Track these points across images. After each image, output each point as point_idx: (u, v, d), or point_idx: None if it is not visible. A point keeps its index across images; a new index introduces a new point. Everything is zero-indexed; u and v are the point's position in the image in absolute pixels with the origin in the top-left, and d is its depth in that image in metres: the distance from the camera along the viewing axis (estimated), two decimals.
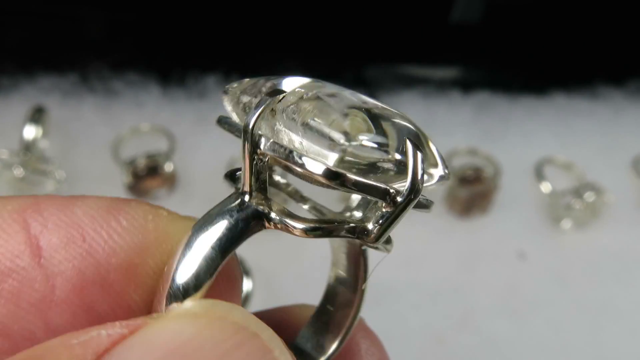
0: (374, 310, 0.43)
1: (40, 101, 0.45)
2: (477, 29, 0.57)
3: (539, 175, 0.51)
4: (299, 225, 0.17)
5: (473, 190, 0.48)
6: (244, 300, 0.39)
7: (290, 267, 0.43)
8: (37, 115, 0.41)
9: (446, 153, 0.51)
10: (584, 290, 0.45)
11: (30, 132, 0.41)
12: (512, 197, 0.50)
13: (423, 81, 0.55)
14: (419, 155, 0.16)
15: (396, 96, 0.54)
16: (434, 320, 0.43)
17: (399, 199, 0.17)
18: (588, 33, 0.57)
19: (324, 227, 0.17)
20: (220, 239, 0.16)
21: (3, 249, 0.17)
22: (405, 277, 0.45)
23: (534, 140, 0.54)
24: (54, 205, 0.18)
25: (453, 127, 0.53)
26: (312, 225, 0.17)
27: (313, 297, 0.43)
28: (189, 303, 0.16)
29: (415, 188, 0.16)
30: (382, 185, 0.17)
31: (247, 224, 0.17)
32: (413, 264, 0.46)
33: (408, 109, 0.54)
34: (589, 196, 0.48)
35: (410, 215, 0.52)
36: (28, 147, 0.41)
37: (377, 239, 0.17)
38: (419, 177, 0.16)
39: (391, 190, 0.17)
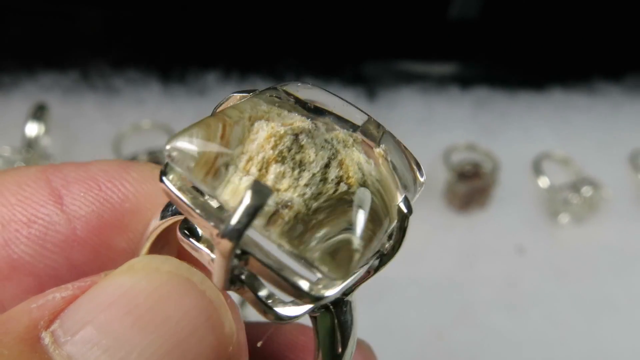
0: (374, 306, 0.44)
1: (41, 98, 0.45)
2: (475, 26, 0.57)
3: (537, 170, 0.51)
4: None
5: (472, 186, 0.48)
6: None
7: None
8: (39, 113, 0.41)
9: (445, 149, 0.51)
10: (582, 283, 0.46)
11: (33, 129, 0.41)
12: (511, 192, 0.50)
13: (422, 77, 0.55)
14: None
15: (395, 92, 0.54)
16: (433, 315, 0.43)
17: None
18: (586, 29, 0.57)
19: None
20: None
21: (30, 199, 0.20)
22: (405, 273, 0.45)
23: (532, 135, 0.54)
24: (71, 165, 0.21)
25: (452, 123, 0.54)
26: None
27: None
28: (133, 260, 0.17)
29: None
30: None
31: None
32: (413, 260, 0.46)
33: (407, 105, 0.54)
34: (587, 191, 0.49)
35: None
36: (30, 144, 0.41)
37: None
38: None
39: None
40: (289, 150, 0.16)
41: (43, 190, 0.20)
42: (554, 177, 0.51)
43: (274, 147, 0.16)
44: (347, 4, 0.53)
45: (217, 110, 0.18)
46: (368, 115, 0.18)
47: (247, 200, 0.14)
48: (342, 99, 0.18)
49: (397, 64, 0.56)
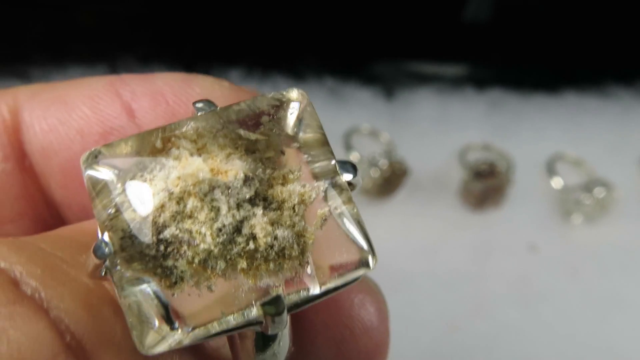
0: (390, 297, 0.45)
1: None
2: (489, 28, 0.59)
3: (550, 171, 0.53)
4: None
5: (487, 184, 0.49)
6: None
7: None
8: None
9: (460, 148, 0.52)
10: (594, 282, 0.47)
11: None
12: (524, 192, 0.51)
13: (438, 78, 0.56)
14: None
15: (412, 92, 0.55)
16: (448, 309, 0.45)
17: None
18: (598, 33, 0.58)
19: None
20: None
21: (104, 112, 0.20)
22: (421, 267, 0.47)
23: (545, 136, 0.55)
24: (136, 78, 0.21)
25: (467, 123, 0.55)
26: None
27: None
28: None
29: None
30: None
31: None
32: (428, 254, 0.47)
33: (423, 104, 0.55)
34: (599, 192, 0.50)
35: (426, 207, 0.53)
36: None
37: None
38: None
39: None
40: (205, 195, 0.16)
41: (115, 103, 0.20)
42: (567, 178, 0.52)
43: (194, 185, 0.16)
44: (366, 5, 0.55)
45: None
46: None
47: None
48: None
49: (414, 64, 0.57)
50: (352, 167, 0.17)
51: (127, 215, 0.15)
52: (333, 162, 0.17)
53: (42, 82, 0.49)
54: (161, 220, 0.15)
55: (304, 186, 0.16)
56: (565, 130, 0.56)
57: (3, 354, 0.13)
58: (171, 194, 0.16)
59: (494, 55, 0.59)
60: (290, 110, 0.17)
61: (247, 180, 0.16)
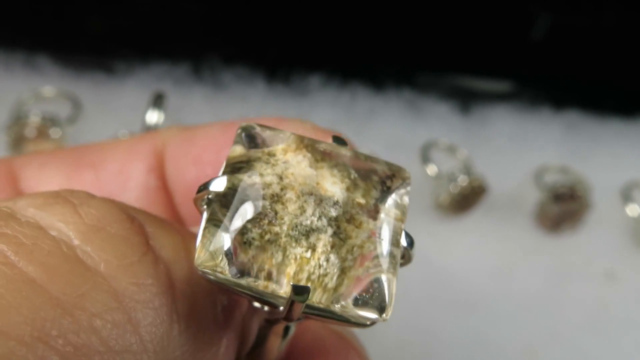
0: (465, 317, 0.44)
1: (154, 87, 0.46)
2: (565, 48, 0.58)
3: (626, 198, 0.52)
4: None
5: (565, 208, 0.49)
6: None
7: None
8: (158, 101, 0.43)
9: (536, 168, 0.51)
10: None
11: (153, 116, 0.42)
12: (600, 217, 0.51)
13: (515, 96, 0.56)
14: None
15: (489, 108, 0.55)
16: (524, 333, 0.44)
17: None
18: None
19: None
20: None
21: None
22: (496, 288, 0.46)
23: (621, 162, 0.54)
24: (249, 120, 0.22)
25: (542, 144, 0.54)
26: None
27: (412, 294, 0.44)
28: None
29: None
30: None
31: None
32: (504, 276, 0.46)
33: (499, 122, 0.55)
34: None
35: (501, 227, 0.52)
36: (149, 130, 0.42)
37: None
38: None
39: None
40: (303, 195, 0.19)
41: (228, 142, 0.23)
42: None
43: (300, 184, 0.19)
44: (447, 21, 0.54)
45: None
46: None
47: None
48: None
49: (490, 81, 0.57)
50: (411, 242, 0.19)
51: (242, 176, 0.18)
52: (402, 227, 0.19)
53: (126, 75, 0.49)
54: (262, 192, 0.18)
55: (369, 238, 0.18)
56: None
57: None
58: (280, 179, 0.18)
59: (570, 76, 0.58)
60: (398, 189, 0.20)
61: (336, 204, 0.18)
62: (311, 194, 0.18)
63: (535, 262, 0.48)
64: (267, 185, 0.18)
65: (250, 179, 0.18)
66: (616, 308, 0.46)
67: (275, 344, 0.21)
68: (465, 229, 0.49)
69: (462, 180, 0.47)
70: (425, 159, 0.49)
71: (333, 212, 0.18)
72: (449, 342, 0.43)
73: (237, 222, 0.17)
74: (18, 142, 0.42)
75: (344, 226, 0.18)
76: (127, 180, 0.23)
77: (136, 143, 0.23)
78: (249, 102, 0.50)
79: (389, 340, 0.43)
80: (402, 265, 0.19)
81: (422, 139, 0.51)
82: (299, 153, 0.19)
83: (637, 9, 0.58)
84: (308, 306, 0.17)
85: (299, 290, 0.17)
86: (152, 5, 0.49)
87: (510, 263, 0.47)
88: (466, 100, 0.54)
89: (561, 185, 0.49)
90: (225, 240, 0.17)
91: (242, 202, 0.17)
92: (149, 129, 0.42)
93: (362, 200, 0.18)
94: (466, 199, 0.48)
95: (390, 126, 0.52)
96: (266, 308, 0.20)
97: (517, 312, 0.45)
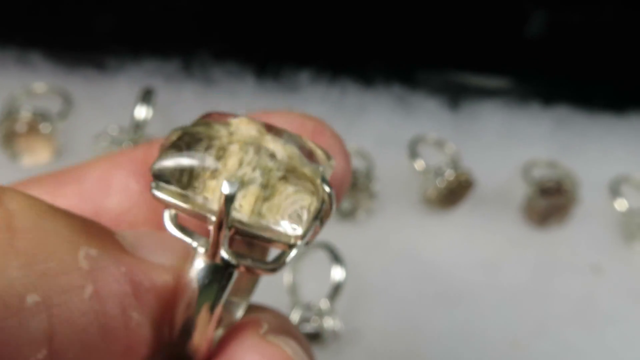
0: (452, 310, 0.45)
1: (145, 83, 0.47)
2: (556, 44, 0.58)
3: (614, 192, 0.52)
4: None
5: (552, 202, 0.49)
6: (336, 289, 0.41)
7: (376, 259, 0.45)
8: (147, 97, 0.43)
9: (525, 163, 0.52)
10: None
11: (141, 112, 0.43)
12: (588, 212, 0.51)
13: (505, 92, 0.56)
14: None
15: (478, 104, 0.55)
16: (510, 325, 0.44)
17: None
18: None
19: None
20: None
21: None
22: (483, 281, 0.46)
23: (610, 157, 0.54)
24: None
25: (531, 139, 0.54)
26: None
27: (399, 287, 0.45)
28: None
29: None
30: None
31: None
32: (490, 269, 0.47)
33: (488, 118, 0.55)
34: None
35: (488, 221, 0.52)
36: (138, 126, 0.43)
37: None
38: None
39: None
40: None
41: None
42: (632, 201, 0.51)
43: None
44: (437, 17, 0.55)
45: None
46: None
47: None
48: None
49: (481, 77, 0.57)
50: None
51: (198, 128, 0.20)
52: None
53: (118, 71, 0.50)
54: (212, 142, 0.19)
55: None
56: (631, 152, 0.55)
57: None
58: (230, 135, 0.20)
59: (560, 72, 0.58)
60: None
61: (274, 158, 0.19)
62: (252, 144, 0.19)
63: (522, 256, 0.48)
64: (218, 137, 0.19)
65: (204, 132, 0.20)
66: (602, 302, 0.46)
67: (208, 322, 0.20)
68: (452, 223, 0.49)
69: (449, 175, 0.48)
70: (413, 153, 0.50)
71: (270, 164, 0.19)
72: (435, 336, 0.44)
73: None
74: (9, 137, 0.43)
75: (274, 182, 0.19)
76: (109, 186, 0.23)
77: (117, 155, 0.24)
78: (239, 98, 0.50)
79: (375, 333, 0.43)
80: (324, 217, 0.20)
81: (412, 134, 0.51)
82: (250, 123, 0.20)
83: (629, 5, 0.58)
84: (239, 222, 0.18)
85: (231, 186, 0.18)
86: (143, 2, 0.49)
87: (497, 257, 0.48)
88: (456, 95, 0.55)
89: (548, 180, 0.50)
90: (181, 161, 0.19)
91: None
92: (138, 125, 0.43)
93: (298, 167, 0.20)
94: (453, 193, 0.48)
95: (380, 121, 0.53)
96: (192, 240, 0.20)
97: (503, 306, 0.45)
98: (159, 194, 0.19)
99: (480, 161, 0.52)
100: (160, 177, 0.19)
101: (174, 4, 0.49)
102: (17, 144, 0.43)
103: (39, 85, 0.47)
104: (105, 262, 0.18)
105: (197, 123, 0.20)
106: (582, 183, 0.51)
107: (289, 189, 0.19)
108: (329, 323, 0.40)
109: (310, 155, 0.20)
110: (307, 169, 0.19)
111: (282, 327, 0.21)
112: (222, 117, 0.20)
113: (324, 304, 0.41)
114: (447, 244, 0.48)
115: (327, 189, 0.19)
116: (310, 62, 0.52)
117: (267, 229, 0.19)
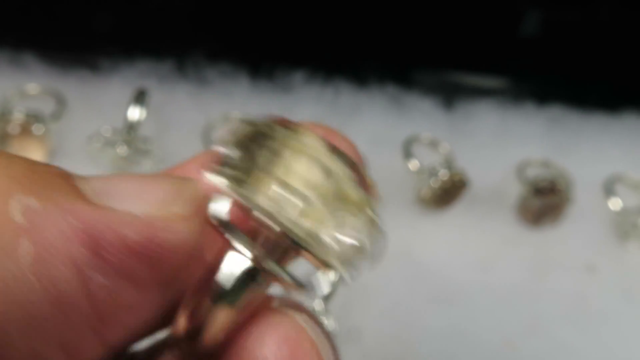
0: (445, 310, 0.45)
1: (138, 84, 0.47)
2: (550, 44, 0.58)
3: (608, 192, 0.52)
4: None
5: (546, 202, 0.49)
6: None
7: None
8: (140, 97, 0.43)
9: (519, 162, 0.52)
10: None
11: (134, 113, 0.43)
12: (582, 211, 0.51)
13: (499, 91, 0.56)
14: None
15: (472, 104, 0.55)
16: (503, 325, 0.44)
17: None
18: None
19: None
20: None
21: None
22: (477, 280, 0.46)
23: (604, 156, 0.55)
24: None
25: (526, 138, 0.54)
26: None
27: (393, 287, 0.45)
28: None
29: None
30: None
31: None
32: (484, 268, 0.47)
33: (483, 117, 0.55)
34: None
35: (482, 221, 0.52)
36: (132, 127, 0.43)
37: None
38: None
39: None
40: None
41: None
42: (626, 200, 0.51)
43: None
44: (431, 16, 0.55)
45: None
46: None
47: None
48: None
49: (475, 77, 0.57)
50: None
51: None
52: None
53: (111, 72, 0.50)
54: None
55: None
56: (625, 151, 0.55)
57: None
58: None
59: (555, 71, 0.58)
60: None
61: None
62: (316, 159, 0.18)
63: (516, 255, 0.48)
64: (286, 144, 0.18)
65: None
66: (596, 301, 0.46)
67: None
68: (446, 223, 0.49)
69: (443, 175, 0.48)
70: (407, 153, 0.50)
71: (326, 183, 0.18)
72: (429, 335, 0.44)
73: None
74: (2, 139, 0.43)
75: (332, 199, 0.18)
76: None
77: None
78: (233, 98, 0.50)
79: (370, 333, 0.43)
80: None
81: (406, 134, 0.51)
82: (317, 138, 0.19)
83: (623, 4, 0.58)
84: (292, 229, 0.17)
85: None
86: (136, 3, 0.49)
87: (491, 256, 0.48)
88: (450, 95, 0.55)
89: (542, 179, 0.50)
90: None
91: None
92: (132, 126, 0.43)
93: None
94: (447, 193, 0.48)
95: (374, 121, 0.53)
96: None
97: (497, 305, 0.45)
98: (215, 178, 0.17)
99: (474, 161, 0.52)
100: (223, 164, 0.18)
101: (168, 4, 0.49)
102: (10, 146, 0.43)
103: (32, 87, 0.47)
104: (50, 214, 0.14)
105: (265, 123, 0.19)
106: (576, 182, 0.51)
107: (344, 214, 0.18)
108: (323, 323, 0.40)
109: (362, 182, 0.19)
110: (356, 195, 0.19)
111: (291, 303, 0.19)
112: (290, 124, 0.20)
113: (318, 304, 0.41)
114: (441, 244, 0.48)
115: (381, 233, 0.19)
116: (304, 62, 0.52)
117: (319, 242, 0.18)
